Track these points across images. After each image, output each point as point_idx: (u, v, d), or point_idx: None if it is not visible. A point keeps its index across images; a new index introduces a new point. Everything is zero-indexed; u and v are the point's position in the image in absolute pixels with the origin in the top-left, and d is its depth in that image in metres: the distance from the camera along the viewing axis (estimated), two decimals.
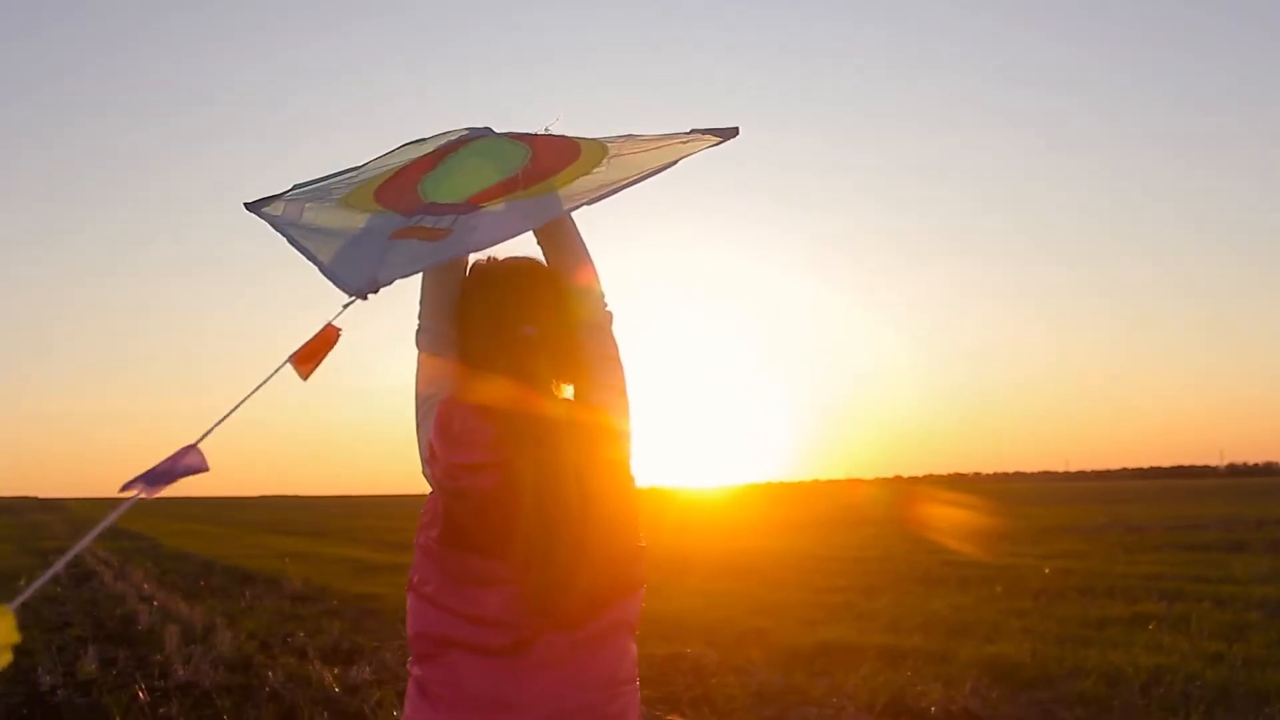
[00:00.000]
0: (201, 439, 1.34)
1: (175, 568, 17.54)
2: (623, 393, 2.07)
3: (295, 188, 2.19)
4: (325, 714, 6.37)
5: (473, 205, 1.88)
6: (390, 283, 1.63)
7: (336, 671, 7.45)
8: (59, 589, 13.76)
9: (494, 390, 1.92)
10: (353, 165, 2.25)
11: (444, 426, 1.88)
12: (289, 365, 1.50)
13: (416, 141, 2.27)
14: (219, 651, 8.23)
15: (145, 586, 14.00)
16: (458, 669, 1.89)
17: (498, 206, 1.88)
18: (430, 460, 1.90)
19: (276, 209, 2.10)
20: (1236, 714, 6.15)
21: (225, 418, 1.38)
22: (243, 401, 1.40)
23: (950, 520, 31.83)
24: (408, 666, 2.00)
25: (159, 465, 1.32)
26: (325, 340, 1.54)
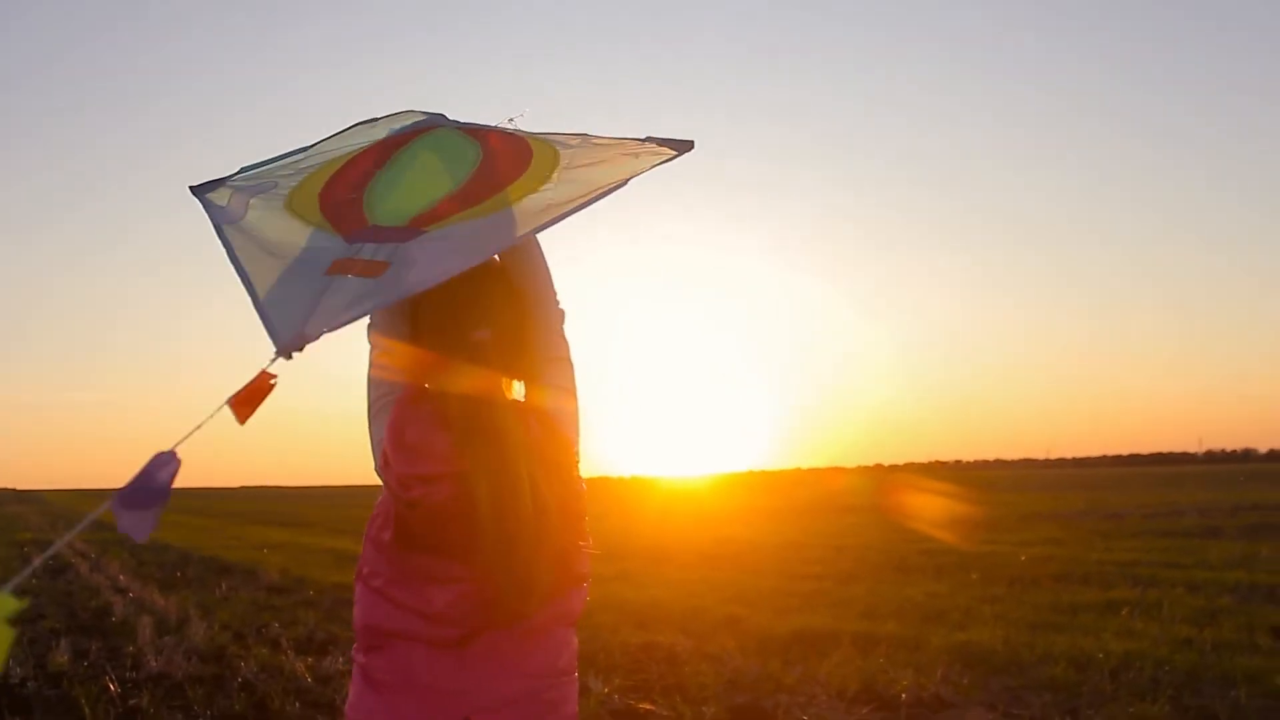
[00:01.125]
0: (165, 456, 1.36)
1: (152, 559, 17.45)
2: (572, 394, 2.08)
3: (241, 171, 2.16)
4: (297, 704, 6.36)
5: (415, 229, 1.82)
6: (319, 337, 1.57)
7: (310, 661, 7.44)
8: (34, 581, 13.70)
9: (448, 393, 1.92)
10: (301, 145, 2.20)
11: (398, 435, 1.89)
12: (226, 408, 1.49)
13: (368, 122, 2.22)
14: (192, 642, 8.20)
15: (121, 578, 13.94)
16: (404, 658, 1.92)
17: (442, 229, 1.82)
18: (384, 468, 1.91)
19: (221, 197, 2.05)
20: (1204, 698, 6.19)
21: (178, 442, 1.38)
22: (181, 441, 1.39)
23: (929, 508, 31.96)
24: (352, 654, 2.02)
25: (136, 481, 1.33)
26: (260, 387, 1.51)
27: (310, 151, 2.18)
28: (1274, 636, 7.97)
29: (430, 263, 1.75)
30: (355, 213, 1.91)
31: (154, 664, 7.34)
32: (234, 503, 62.43)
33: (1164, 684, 6.45)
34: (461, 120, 2.22)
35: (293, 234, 1.89)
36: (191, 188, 2.11)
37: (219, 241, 1.88)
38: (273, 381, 1.52)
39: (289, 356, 1.56)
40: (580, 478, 2.02)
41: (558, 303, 2.13)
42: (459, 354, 1.95)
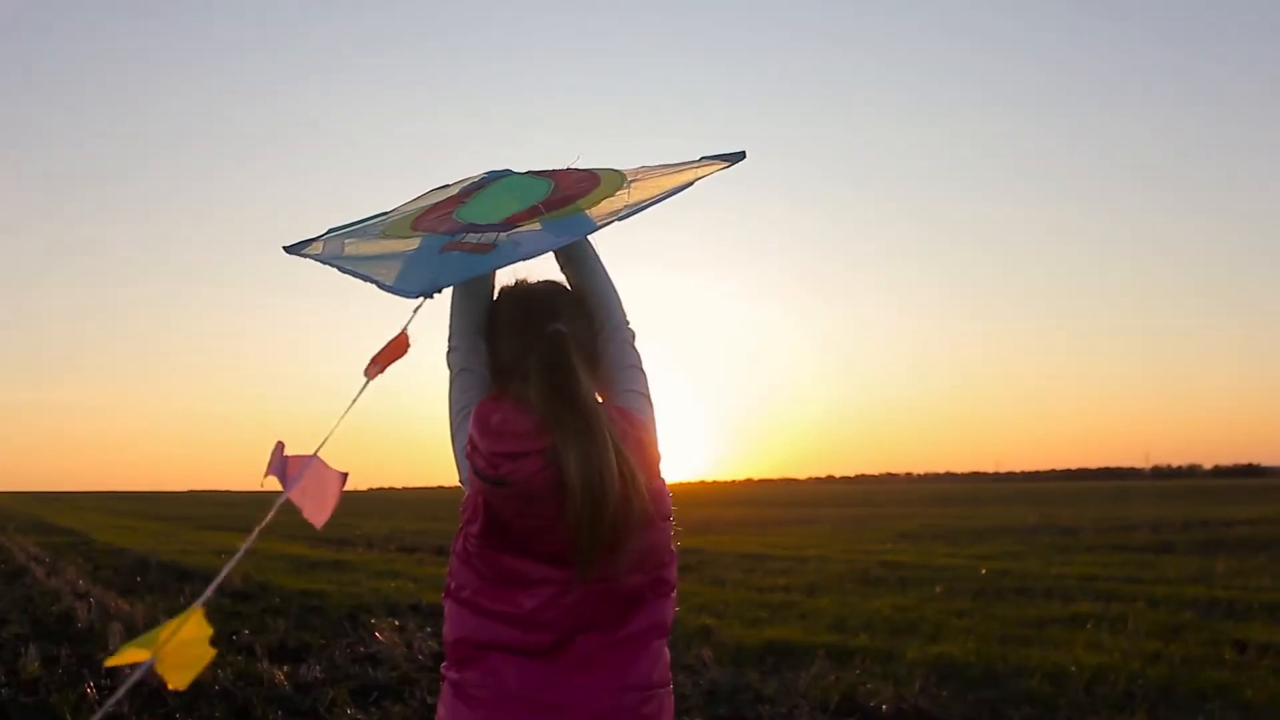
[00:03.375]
0: (317, 449, 1.40)
1: (109, 564, 17.25)
2: (649, 398, 2.12)
3: (330, 231, 2.27)
4: (279, 712, 6.33)
5: (510, 224, 1.94)
6: (450, 285, 1.74)
7: (286, 669, 7.40)
8: None
9: (529, 379, 1.95)
10: (380, 211, 2.32)
11: (483, 420, 1.88)
12: (366, 368, 1.54)
13: (441, 187, 2.35)
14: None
15: (80, 583, 13.75)
16: (498, 670, 1.90)
17: (533, 226, 1.94)
18: (470, 453, 1.89)
19: (316, 249, 2.18)
20: (1180, 712, 6.31)
21: (326, 439, 1.42)
22: (338, 421, 1.43)
23: (885, 519, 32.16)
24: (442, 670, 2.00)
25: (291, 469, 1.39)
26: (399, 345, 1.56)
27: (391, 213, 2.30)
28: (1239, 651, 8.12)
29: (533, 241, 1.87)
30: (451, 221, 2.03)
31: (129, 670, 7.26)
32: (186, 506, 61.79)
33: (1139, 698, 6.56)
34: (527, 170, 2.35)
35: (396, 246, 2.01)
36: (285, 248, 2.23)
37: (329, 268, 1.99)
38: (410, 343, 1.56)
39: (430, 296, 1.64)
40: (664, 479, 2.01)
41: (628, 321, 2.19)
42: (538, 346, 1.98)
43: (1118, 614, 10.05)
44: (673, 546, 2.02)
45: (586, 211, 1.99)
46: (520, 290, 2.15)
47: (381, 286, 1.76)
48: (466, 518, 1.95)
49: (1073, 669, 7.35)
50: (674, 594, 2.03)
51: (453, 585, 1.97)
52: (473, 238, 1.88)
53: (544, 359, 1.96)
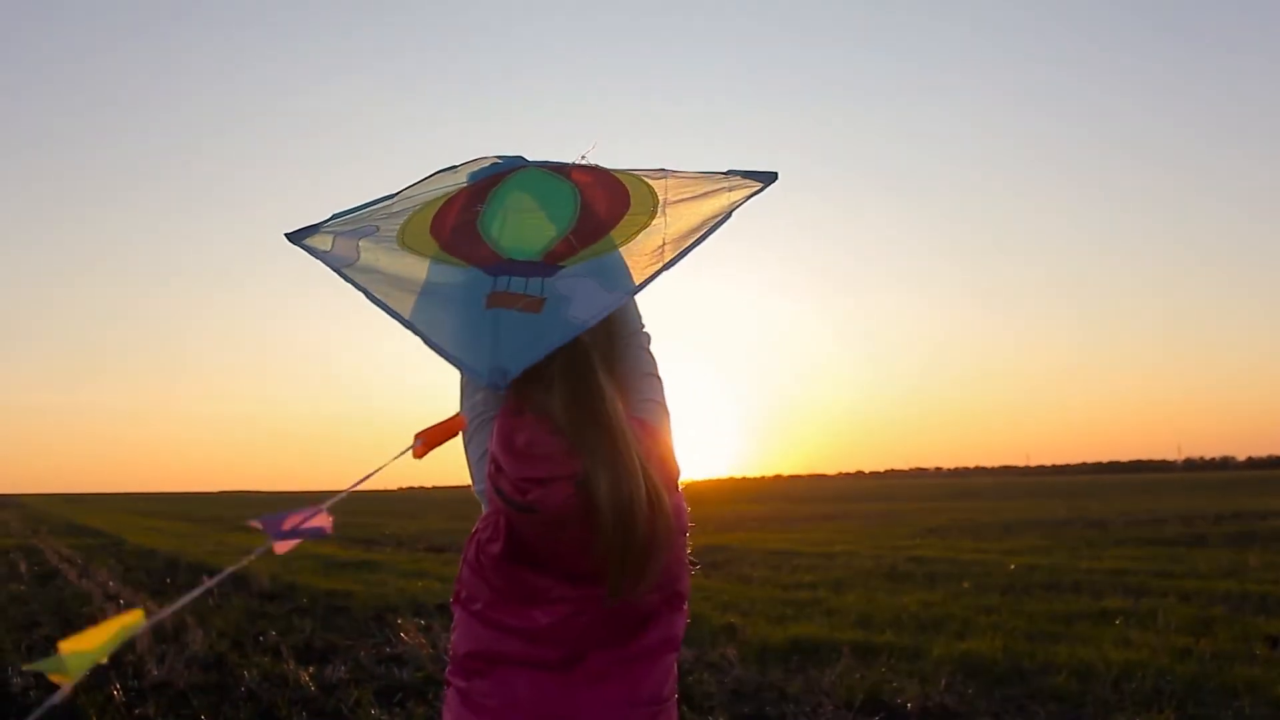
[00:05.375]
0: (329, 505, 1.36)
1: (140, 565, 17.38)
2: (665, 407, 2.07)
3: (335, 216, 2.17)
4: (303, 713, 6.35)
5: (550, 265, 1.84)
6: (519, 372, 1.63)
7: (311, 670, 7.43)
8: (23, 588, 13.63)
9: (554, 395, 1.87)
10: (382, 195, 2.21)
11: (507, 440, 1.82)
12: (411, 445, 1.49)
13: (448, 169, 2.22)
14: (192, 650, 8.18)
15: (110, 584, 13.87)
16: (509, 683, 1.88)
17: (575, 266, 1.84)
18: (494, 474, 1.84)
19: (323, 242, 2.06)
20: (1208, 708, 6.24)
21: (353, 487, 1.37)
22: (366, 478, 1.38)
23: (914, 514, 32.03)
24: (447, 676, 1.97)
25: (288, 521, 1.33)
26: (453, 428, 1.53)
27: (398, 197, 2.18)
28: (1270, 646, 8.03)
29: (585, 300, 1.77)
30: (477, 244, 1.92)
31: (156, 672, 7.31)
32: (216, 508, 62.14)
33: (1167, 694, 6.50)
34: (539, 160, 2.20)
35: (412, 269, 1.91)
36: (287, 235, 2.11)
37: (345, 283, 1.90)
38: (464, 428, 1.54)
39: (498, 388, 1.61)
40: (681, 492, 1.98)
41: (643, 325, 2.14)
42: (558, 355, 1.87)
43: (1147, 609, 9.95)
44: (686, 559, 1.99)
45: (630, 243, 1.91)
46: None
47: (435, 348, 1.70)
48: (486, 536, 1.90)
49: (1100, 665, 7.29)
50: (686, 606, 2.00)
51: (463, 594, 1.93)
52: (516, 285, 1.78)
53: (567, 370, 1.89)
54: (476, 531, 1.93)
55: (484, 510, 1.96)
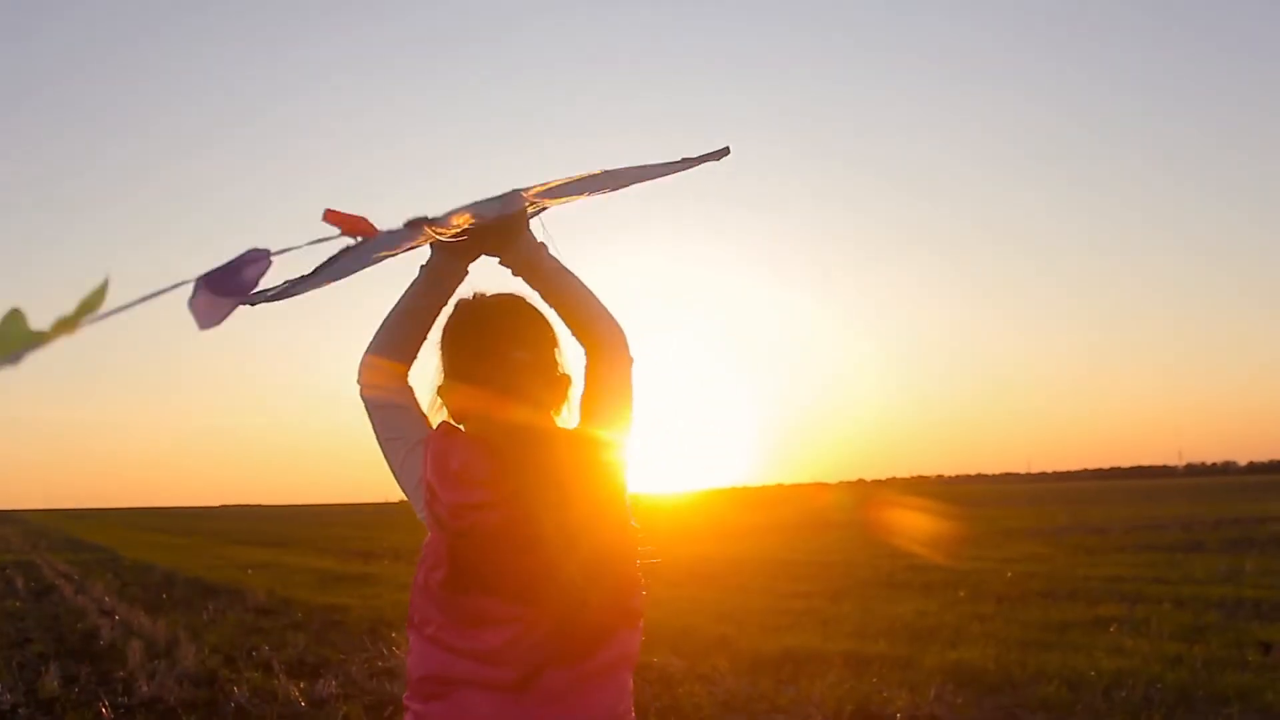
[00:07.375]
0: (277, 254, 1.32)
1: (136, 580, 17.37)
2: (629, 428, 2.04)
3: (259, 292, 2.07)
4: None
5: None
6: (447, 219, 1.60)
7: (302, 685, 7.41)
8: (18, 604, 13.63)
9: (492, 418, 1.87)
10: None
11: (441, 465, 1.84)
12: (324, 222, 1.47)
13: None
14: (183, 666, 8.17)
15: (106, 600, 13.86)
16: (466, 705, 1.88)
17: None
18: (431, 501, 1.86)
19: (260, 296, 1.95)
20: (1197, 716, 6.23)
21: (280, 250, 1.35)
22: (281, 251, 1.35)
23: (914, 524, 32.02)
24: (405, 702, 1.96)
25: (225, 266, 1.28)
26: (361, 223, 1.50)
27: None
28: (1263, 652, 8.02)
29: (508, 203, 1.74)
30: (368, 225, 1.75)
31: (146, 689, 7.30)
32: (215, 522, 62.13)
33: (1156, 703, 6.49)
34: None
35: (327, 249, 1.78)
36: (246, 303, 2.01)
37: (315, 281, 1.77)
38: (375, 232, 1.51)
39: (426, 223, 1.58)
40: (630, 513, 1.97)
41: (628, 349, 2.09)
42: (499, 375, 1.91)
43: (1142, 616, 9.95)
44: (640, 578, 1.98)
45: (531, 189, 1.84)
46: (479, 308, 2.02)
47: (358, 257, 1.63)
48: (430, 562, 1.91)
49: (1091, 674, 7.28)
50: (640, 624, 1.99)
51: (417, 619, 1.93)
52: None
53: (503, 390, 1.90)
54: (423, 558, 1.94)
55: (427, 538, 1.96)
